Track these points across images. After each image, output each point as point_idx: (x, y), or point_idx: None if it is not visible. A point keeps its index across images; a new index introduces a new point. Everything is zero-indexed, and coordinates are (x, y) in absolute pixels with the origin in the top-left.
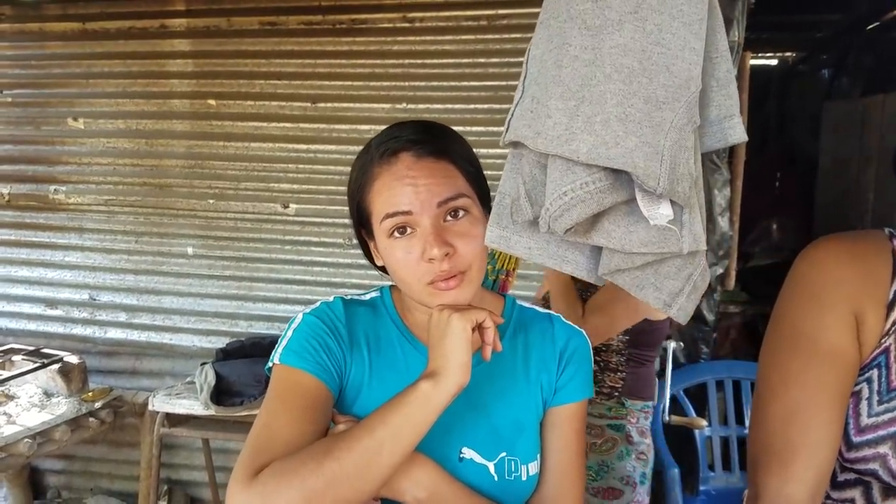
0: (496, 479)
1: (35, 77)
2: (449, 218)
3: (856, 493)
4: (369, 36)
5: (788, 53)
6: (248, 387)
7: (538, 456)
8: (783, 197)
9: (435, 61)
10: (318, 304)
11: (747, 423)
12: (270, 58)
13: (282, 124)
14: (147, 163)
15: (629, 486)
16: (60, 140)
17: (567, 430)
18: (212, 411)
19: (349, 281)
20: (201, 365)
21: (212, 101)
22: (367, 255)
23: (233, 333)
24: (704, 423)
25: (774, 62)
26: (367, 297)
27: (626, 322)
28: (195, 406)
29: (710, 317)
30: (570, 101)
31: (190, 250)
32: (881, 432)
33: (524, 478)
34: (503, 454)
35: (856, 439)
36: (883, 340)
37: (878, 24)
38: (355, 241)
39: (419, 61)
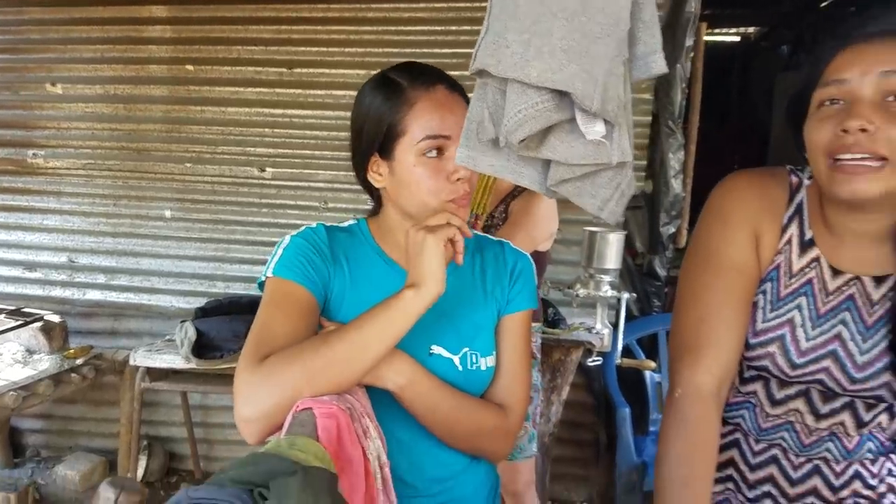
0: (460, 369)
1: (13, 42)
2: None
3: (757, 387)
4: (344, 3)
5: (750, 29)
6: (227, 342)
7: (494, 352)
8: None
9: (409, 28)
10: (302, 228)
11: None
12: (247, 24)
13: (258, 89)
14: (125, 127)
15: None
16: (38, 105)
17: (516, 333)
18: (192, 364)
19: None
20: (181, 322)
21: (189, 67)
22: (362, 175)
23: (210, 294)
24: (653, 364)
25: (737, 38)
26: (345, 224)
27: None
28: (176, 360)
29: (661, 272)
30: (524, 34)
31: (168, 213)
32: (771, 335)
33: (483, 368)
34: (466, 349)
35: (752, 341)
36: (776, 257)
37: (832, 0)
38: (330, 205)
39: (393, 28)
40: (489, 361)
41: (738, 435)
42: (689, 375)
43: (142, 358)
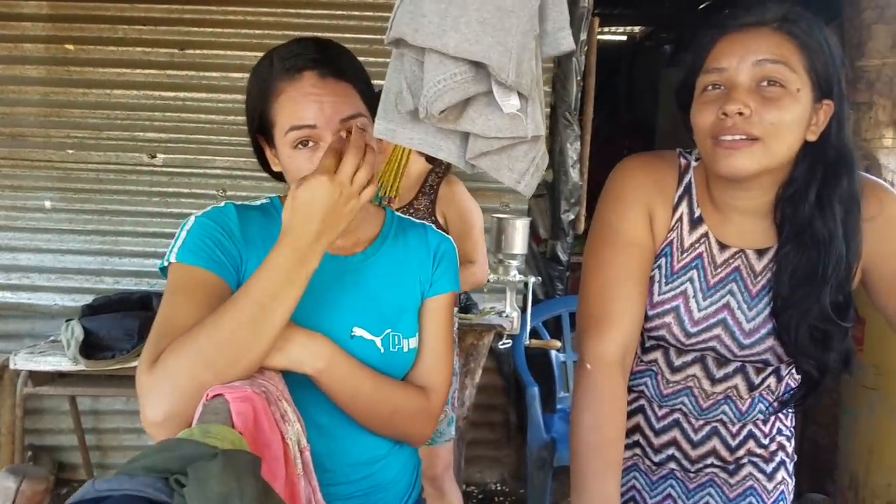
0: (382, 351)
1: None
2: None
3: (657, 355)
4: None
5: (636, 29)
6: (118, 341)
7: (417, 334)
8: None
9: (309, 11)
10: (209, 208)
11: None
12: (134, 2)
13: (147, 71)
14: None
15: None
16: None
17: (439, 315)
18: (81, 366)
19: None
20: (66, 322)
21: (70, 46)
22: (262, 160)
23: (98, 290)
24: (558, 343)
25: (624, 38)
26: (258, 202)
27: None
28: (63, 362)
29: (563, 257)
30: (441, 3)
31: (48, 203)
32: (667, 306)
33: (406, 350)
34: (388, 330)
35: (650, 312)
36: (669, 234)
37: (710, 2)
38: (229, 193)
39: (293, 10)
40: (412, 343)
41: (642, 402)
42: (596, 346)
43: (23, 361)
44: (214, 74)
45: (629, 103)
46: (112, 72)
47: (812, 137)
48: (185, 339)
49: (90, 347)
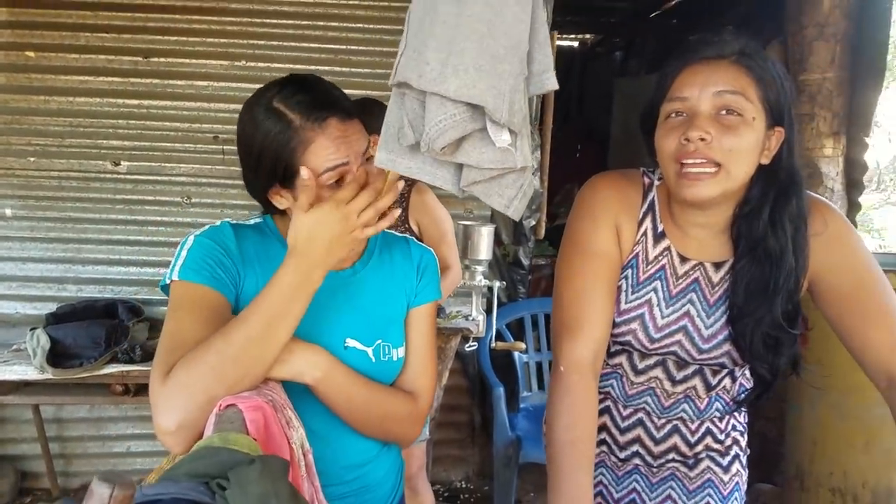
0: (374, 360)
1: None
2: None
3: (622, 359)
4: None
5: (588, 35)
6: (85, 349)
7: (404, 343)
8: (582, 164)
9: (274, 21)
10: (206, 227)
11: None
12: (96, 10)
13: (110, 78)
14: None
15: None
16: None
17: (423, 324)
18: (48, 375)
19: None
20: (31, 330)
21: (30, 53)
22: (260, 196)
23: (61, 298)
24: (523, 345)
25: (576, 44)
26: (252, 221)
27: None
28: (28, 371)
29: (525, 261)
30: (442, 52)
31: (8, 212)
32: (633, 314)
33: (395, 358)
34: (379, 341)
35: (618, 320)
36: (635, 247)
37: (659, 12)
38: (194, 200)
39: (258, 20)
40: (400, 352)
41: (608, 402)
42: (570, 351)
43: None
44: (179, 82)
45: (581, 109)
46: (75, 79)
47: (765, 161)
48: (197, 353)
49: (57, 356)
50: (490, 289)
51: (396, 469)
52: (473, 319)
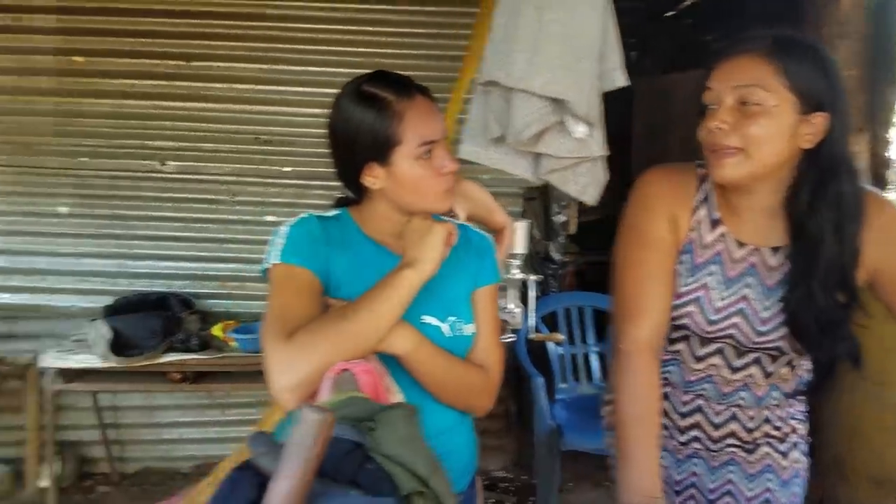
0: (448, 335)
1: None
2: None
3: (682, 346)
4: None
5: None
6: (144, 339)
7: (472, 321)
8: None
9: (309, 26)
10: (294, 219)
11: (589, 341)
12: (140, 16)
13: (156, 82)
14: (8, 120)
15: None
16: None
17: (487, 303)
18: (111, 363)
19: (236, 237)
20: (91, 321)
21: (79, 58)
22: (352, 178)
23: (115, 292)
24: (561, 336)
25: None
26: (330, 214)
27: None
28: (90, 360)
29: (557, 256)
30: (527, 52)
31: (64, 209)
32: (691, 296)
33: (467, 333)
34: (452, 318)
35: (675, 302)
36: (690, 234)
37: (673, 13)
38: (238, 198)
39: (293, 25)
40: (470, 329)
41: (668, 388)
42: (630, 330)
43: (52, 359)
44: (220, 85)
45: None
46: (123, 83)
47: (807, 146)
48: (320, 324)
49: (118, 346)
50: (524, 282)
51: (472, 442)
52: (510, 311)
